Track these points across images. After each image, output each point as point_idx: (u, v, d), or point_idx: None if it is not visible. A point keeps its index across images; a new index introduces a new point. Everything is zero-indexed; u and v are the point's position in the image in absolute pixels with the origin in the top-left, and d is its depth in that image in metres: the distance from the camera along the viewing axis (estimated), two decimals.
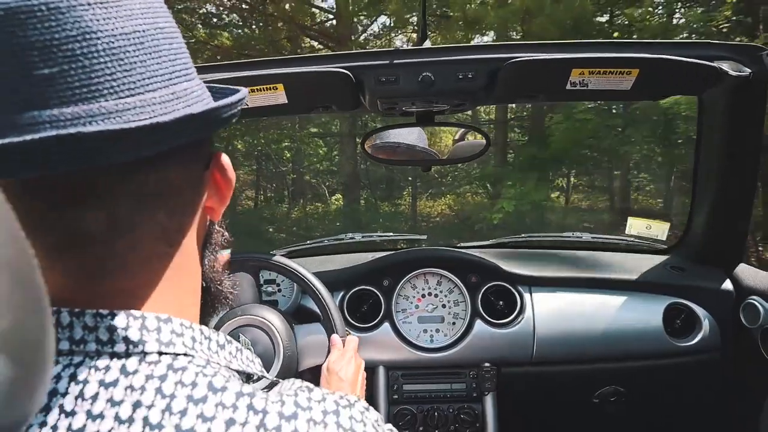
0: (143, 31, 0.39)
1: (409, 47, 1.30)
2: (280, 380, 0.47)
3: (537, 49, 1.18)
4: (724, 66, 1.13)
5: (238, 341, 1.16)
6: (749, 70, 1.13)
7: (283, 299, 1.50)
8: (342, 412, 0.43)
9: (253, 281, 1.36)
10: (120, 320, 0.40)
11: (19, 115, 0.35)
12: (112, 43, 0.36)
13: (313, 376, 1.30)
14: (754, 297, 1.38)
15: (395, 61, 1.21)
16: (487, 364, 1.48)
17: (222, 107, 0.43)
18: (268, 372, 1.10)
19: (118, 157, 0.36)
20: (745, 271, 1.50)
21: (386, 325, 1.52)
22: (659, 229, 1.82)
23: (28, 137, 0.34)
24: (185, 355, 0.42)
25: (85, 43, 0.35)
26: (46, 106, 0.35)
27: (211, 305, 0.56)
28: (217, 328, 1.17)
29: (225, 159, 0.50)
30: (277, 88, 1.23)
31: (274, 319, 1.18)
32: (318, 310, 1.42)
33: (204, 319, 0.50)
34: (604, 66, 1.13)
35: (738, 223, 1.47)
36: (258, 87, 1.23)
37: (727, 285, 1.49)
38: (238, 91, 0.48)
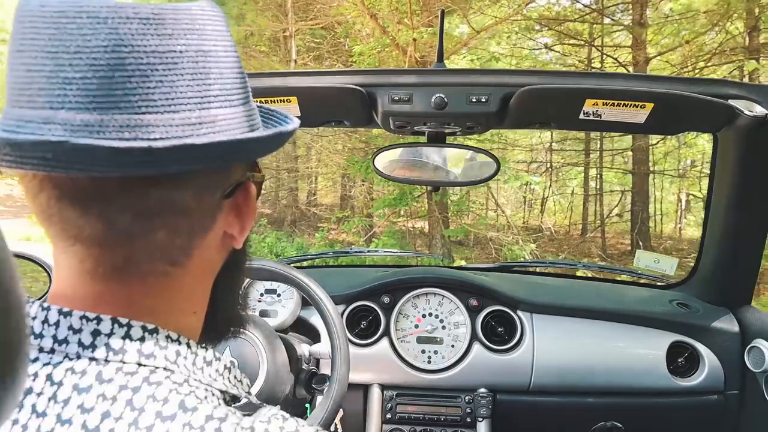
0: (180, 52, 0.39)
1: (425, 68, 1.31)
2: (264, 405, 0.47)
3: (552, 78, 1.18)
4: (739, 105, 1.12)
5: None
6: (765, 111, 1.12)
7: (283, 310, 1.49)
8: None
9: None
10: (105, 326, 0.40)
11: (38, 111, 0.37)
12: (141, 59, 0.37)
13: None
14: (760, 340, 1.36)
15: (409, 81, 1.22)
16: (483, 390, 1.46)
17: (229, 142, 0.42)
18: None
19: (111, 171, 0.37)
20: (752, 314, 1.47)
21: (384, 342, 1.51)
22: (668, 264, 1.79)
23: (24, 136, 0.35)
24: (165, 369, 0.41)
25: (113, 55, 0.36)
26: (62, 107, 0.36)
27: (218, 331, 0.55)
28: None
29: (251, 190, 0.49)
30: (290, 101, 1.23)
31: (260, 335, 1.17)
32: (316, 325, 1.42)
33: (208, 344, 0.49)
34: (618, 98, 1.12)
35: (748, 264, 1.44)
36: (272, 99, 1.24)
37: (734, 326, 1.46)
38: (289, 121, 0.48)
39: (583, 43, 8.22)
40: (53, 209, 0.39)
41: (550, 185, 9.14)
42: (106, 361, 0.40)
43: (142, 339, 0.41)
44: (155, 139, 0.37)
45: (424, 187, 6.88)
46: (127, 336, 0.41)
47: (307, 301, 1.34)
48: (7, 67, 0.39)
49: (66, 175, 0.38)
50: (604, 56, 8.13)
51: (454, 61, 8.03)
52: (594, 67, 8.23)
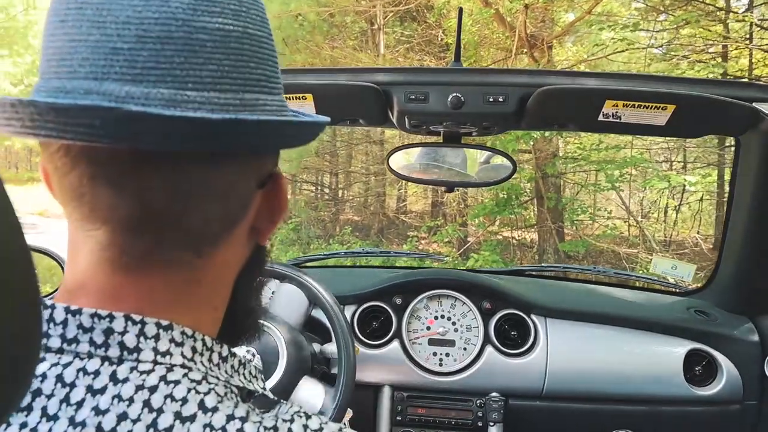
0: (228, 31, 0.38)
1: (442, 66, 1.30)
2: (282, 401, 0.45)
3: (571, 78, 1.16)
4: (764, 108, 1.09)
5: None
6: None
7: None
8: None
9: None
10: (118, 324, 0.38)
11: (79, 81, 0.35)
12: (191, 34, 0.36)
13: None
14: None
15: (425, 80, 1.21)
16: (495, 394, 1.44)
17: (279, 123, 0.41)
18: (266, 382, 1.09)
19: (158, 144, 0.35)
20: None
21: (395, 344, 1.50)
22: (685, 271, 1.76)
23: (63, 101, 0.33)
24: (182, 366, 0.39)
25: (163, 28, 0.35)
26: (107, 78, 0.35)
27: (238, 331, 0.52)
28: None
29: (283, 182, 0.47)
30: (306, 98, 1.23)
31: (282, 328, 1.17)
32: (328, 324, 1.41)
33: (227, 344, 0.47)
34: (639, 100, 1.10)
35: None
36: (288, 96, 1.23)
37: (753, 335, 1.43)
38: (318, 116, 0.47)
39: (720, 19, 6.61)
40: (85, 188, 0.37)
41: (684, 189, 7.43)
42: (121, 360, 0.38)
43: (156, 336, 0.39)
44: (192, 114, 0.36)
45: (532, 192, 6.35)
46: (141, 333, 0.39)
47: None
48: (44, 38, 0.38)
49: (103, 151, 0.36)
50: (754, 29, 6.52)
51: (559, 54, 7.14)
52: (740, 44, 6.82)
